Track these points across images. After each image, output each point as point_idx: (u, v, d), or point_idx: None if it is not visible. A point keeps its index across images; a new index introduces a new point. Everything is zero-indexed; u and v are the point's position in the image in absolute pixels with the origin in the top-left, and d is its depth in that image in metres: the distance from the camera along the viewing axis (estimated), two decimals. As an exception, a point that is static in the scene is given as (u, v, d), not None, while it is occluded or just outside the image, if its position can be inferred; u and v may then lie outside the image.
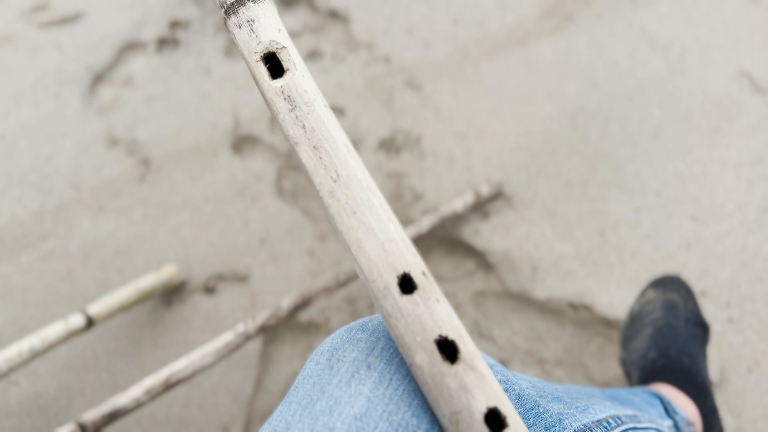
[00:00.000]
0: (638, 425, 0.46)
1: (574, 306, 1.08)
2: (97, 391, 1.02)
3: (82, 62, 1.48)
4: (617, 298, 1.07)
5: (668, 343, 0.74)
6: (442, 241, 1.20)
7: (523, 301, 1.11)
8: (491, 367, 0.35)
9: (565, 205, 1.22)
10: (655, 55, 1.44)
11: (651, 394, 0.63)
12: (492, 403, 0.28)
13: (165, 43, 1.51)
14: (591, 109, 1.36)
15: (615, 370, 1.01)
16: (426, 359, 0.29)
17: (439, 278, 1.16)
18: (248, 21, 0.33)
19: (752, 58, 1.41)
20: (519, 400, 0.35)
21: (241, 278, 1.14)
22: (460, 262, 1.18)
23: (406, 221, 1.22)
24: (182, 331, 1.08)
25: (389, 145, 1.32)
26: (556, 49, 1.46)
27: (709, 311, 1.05)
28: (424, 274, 0.32)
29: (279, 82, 0.33)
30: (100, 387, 1.03)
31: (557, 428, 0.36)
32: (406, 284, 0.31)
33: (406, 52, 1.47)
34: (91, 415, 0.78)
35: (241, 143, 1.32)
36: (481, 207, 1.22)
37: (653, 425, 0.49)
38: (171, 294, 1.12)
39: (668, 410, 0.61)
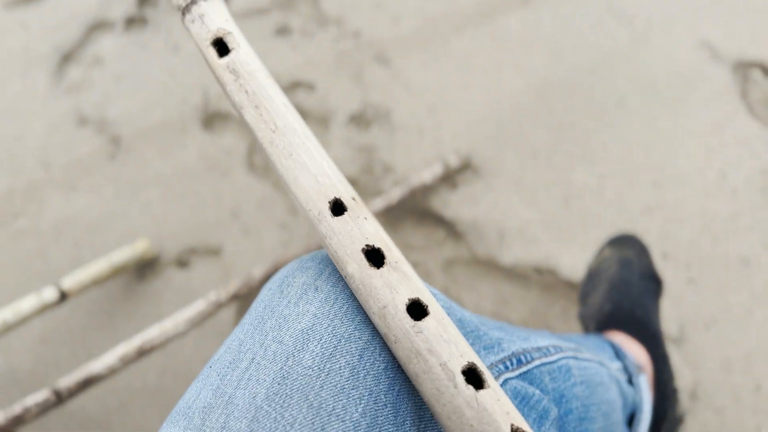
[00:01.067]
0: (579, 355, 0.48)
1: (539, 270, 1.11)
2: (73, 364, 1.04)
3: (50, 42, 1.47)
4: (581, 262, 1.10)
5: (622, 297, 0.77)
6: (413, 211, 1.22)
7: (490, 267, 1.14)
8: (435, 295, 0.37)
9: (531, 174, 1.25)
10: (620, 27, 1.47)
11: (603, 340, 0.66)
12: (414, 296, 0.32)
13: (133, 21, 1.51)
14: (557, 81, 1.39)
15: (578, 329, 1.04)
16: (356, 267, 0.32)
17: (410, 247, 1.18)
18: (199, 16, 0.39)
19: (714, 29, 1.45)
20: (460, 323, 0.37)
21: (214, 252, 1.16)
22: (429, 232, 1.21)
23: (376, 193, 1.24)
24: (156, 304, 1.10)
25: (359, 120, 1.34)
26: (524, 23, 1.48)
27: (669, 272, 1.09)
28: (354, 199, 0.35)
29: (225, 59, 0.38)
30: (75, 360, 1.04)
31: (495, 349, 0.39)
32: (337, 208, 0.34)
33: (375, 27, 1.48)
34: (66, 381, 0.79)
35: (211, 119, 1.33)
36: (449, 178, 1.25)
37: (596, 359, 0.52)
38: (144, 268, 1.13)
39: (618, 354, 0.64)
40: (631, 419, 0.62)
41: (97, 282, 1.03)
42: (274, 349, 0.31)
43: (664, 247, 1.12)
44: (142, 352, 0.84)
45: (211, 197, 1.22)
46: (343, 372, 0.31)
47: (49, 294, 0.96)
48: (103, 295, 1.11)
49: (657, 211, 1.18)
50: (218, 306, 0.93)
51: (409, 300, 0.31)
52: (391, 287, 0.31)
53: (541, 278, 1.11)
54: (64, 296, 0.98)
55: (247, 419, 0.29)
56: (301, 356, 0.31)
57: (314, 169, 0.35)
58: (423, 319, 0.31)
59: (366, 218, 0.34)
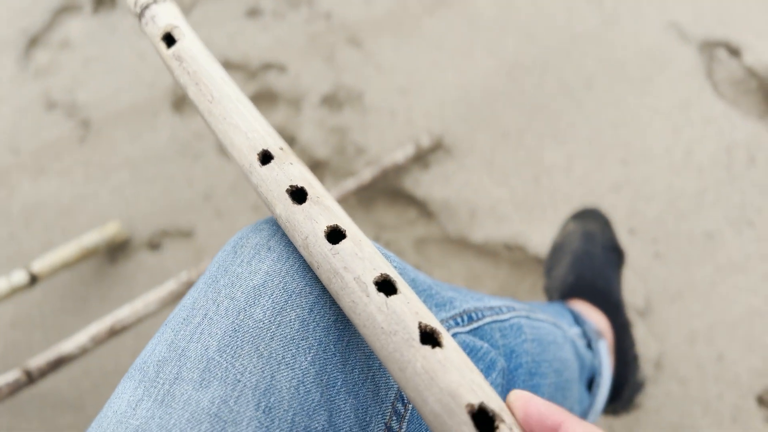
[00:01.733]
0: (531, 315, 0.50)
1: (509, 247, 1.13)
2: (45, 348, 1.03)
3: (16, 26, 1.45)
4: (549, 238, 1.12)
5: (585, 268, 0.79)
6: (385, 192, 1.23)
7: (461, 244, 1.15)
8: (387, 257, 0.38)
9: (502, 154, 1.26)
10: (591, 9, 1.48)
11: (564, 307, 0.67)
12: (332, 223, 0.34)
13: (101, 3, 1.49)
14: (528, 62, 1.40)
15: (549, 305, 1.06)
16: (282, 207, 0.35)
17: (382, 227, 1.19)
18: (151, 18, 0.45)
19: (681, 10, 1.47)
20: (413, 282, 0.38)
21: (186, 234, 1.16)
22: (402, 211, 1.22)
23: (349, 174, 1.24)
24: (128, 287, 1.10)
25: (332, 101, 1.34)
26: (495, 4, 1.49)
27: (636, 247, 1.11)
28: (281, 148, 0.38)
29: (172, 49, 0.43)
30: (47, 343, 1.04)
31: (447, 306, 0.40)
32: (265, 158, 0.38)
33: (347, 9, 1.48)
34: (37, 361, 0.79)
35: (181, 102, 1.32)
36: (421, 158, 1.26)
37: (550, 320, 0.54)
38: (116, 251, 1.13)
39: (578, 320, 0.65)
40: (591, 383, 0.64)
41: (68, 265, 1.03)
42: (226, 305, 0.32)
43: (631, 223, 1.15)
44: (114, 332, 0.84)
45: (182, 180, 1.22)
46: (294, 324, 0.32)
47: (19, 277, 0.95)
48: (75, 278, 1.11)
49: (624, 189, 1.20)
50: (189, 286, 0.93)
51: (327, 227, 0.34)
52: (312, 218, 0.34)
53: (511, 255, 1.13)
54: (34, 279, 0.97)
55: (199, 369, 0.30)
56: (253, 311, 0.32)
57: (245, 128, 0.38)
58: (340, 242, 0.33)
59: (291, 163, 0.37)
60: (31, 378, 0.78)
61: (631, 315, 1.03)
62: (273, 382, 0.30)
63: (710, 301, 1.05)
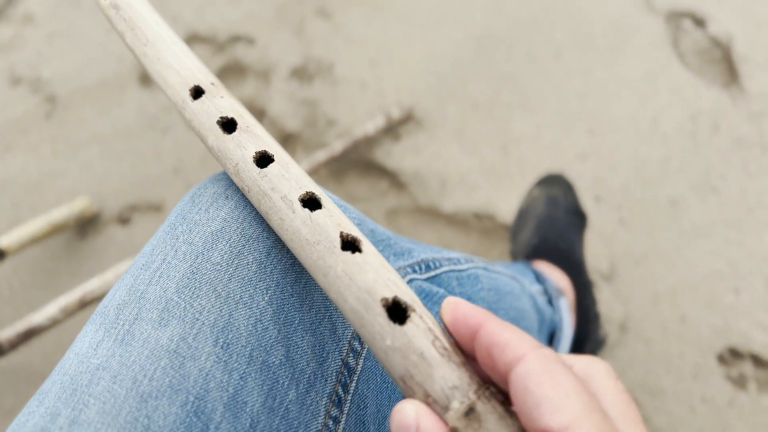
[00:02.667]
0: (490, 267, 0.51)
1: (478, 216, 1.14)
2: (16, 322, 1.03)
3: (-22, 0, 1.42)
4: (517, 207, 1.14)
5: (548, 231, 0.81)
6: (356, 163, 1.24)
7: (432, 214, 1.17)
8: (346, 209, 0.39)
9: (471, 124, 1.27)
10: (558, -20, 1.49)
11: (526, 266, 0.69)
12: (260, 149, 0.35)
13: (65, -23, 1.46)
14: (497, 33, 1.41)
15: (518, 272, 1.08)
16: (214, 138, 0.37)
17: (354, 199, 1.20)
18: None
19: (647, -20, 1.48)
20: (371, 233, 0.39)
21: (156, 208, 1.15)
22: (373, 183, 1.22)
23: (319, 147, 1.24)
24: (99, 261, 1.09)
25: (302, 73, 1.34)
26: (463, -24, 1.49)
27: (601, 214, 1.13)
28: (212, 84, 0.39)
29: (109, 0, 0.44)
30: (19, 318, 1.03)
31: (405, 256, 0.41)
32: (197, 93, 0.39)
33: (315, -18, 1.47)
34: (6, 333, 0.79)
35: (149, 77, 1.31)
36: (392, 130, 1.26)
37: (509, 273, 0.55)
38: (85, 226, 1.13)
39: (539, 278, 0.67)
40: (551, 338, 0.66)
41: (37, 240, 1.02)
42: (184, 249, 0.33)
43: (597, 191, 1.17)
44: (84, 303, 0.84)
45: (151, 154, 1.21)
46: (251, 267, 0.33)
47: (-13, 252, 0.95)
48: (45, 253, 1.10)
49: (591, 157, 1.22)
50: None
51: (256, 153, 0.35)
52: (241, 146, 0.35)
53: (480, 223, 1.14)
54: (2, 254, 0.97)
55: (158, 310, 0.31)
56: (210, 254, 0.33)
57: (177, 66, 0.40)
58: (268, 166, 0.35)
59: (222, 97, 0.38)
60: (1, 350, 0.78)
61: (597, 279, 1.06)
62: (231, 320, 0.31)
63: (674, 264, 1.08)
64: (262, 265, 0.34)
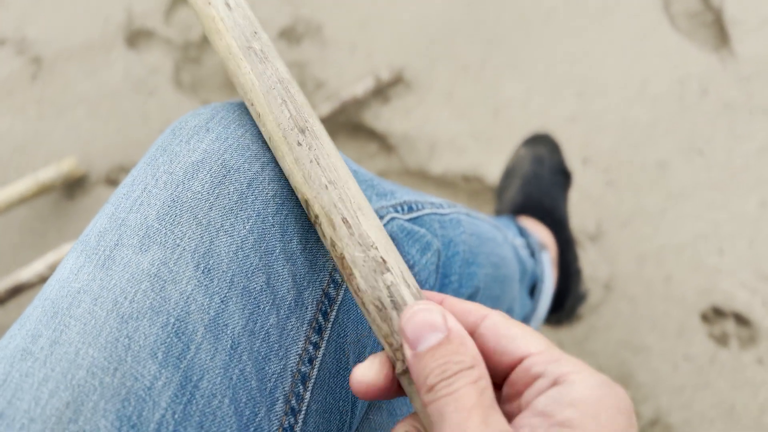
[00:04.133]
0: (472, 213, 0.52)
1: (467, 178, 1.15)
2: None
3: (-41, -41, 1.39)
4: (507, 169, 1.14)
5: (533, 188, 0.82)
6: (345, 126, 1.23)
7: (421, 177, 1.17)
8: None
9: (461, 87, 1.27)
10: (550, -58, 1.48)
11: (510, 220, 0.70)
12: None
13: (48, -64, 1.43)
14: (488, -5, 1.39)
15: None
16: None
17: (343, 162, 1.20)
18: None
19: (639, -58, 1.46)
20: (355, 173, 0.40)
21: (145, 169, 1.15)
22: (362, 145, 1.22)
23: (308, 109, 1.24)
24: (86, 222, 1.09)
25: (290, 34, 1.33)
26: (454, -63, 1.47)
27: (589, 176, 1.14)
28: None
29: None
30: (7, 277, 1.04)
31: (388, 196, 0.41)
32: None
33: (303, -58, 1.44)
34: (-7, 290, 0.80)
35: (135, 37, 1.29)
36: (381, 92, 1.26)
37: (491, 222, 0.56)
38: (73, 187, 1.12)
39: (522, 232, 0.68)
40: (533, 290, 0.66)
41: (24, 200, 1.02)
42: (165, 179, 0.33)
43: (585, 153, 1.17)
44: (71, 261, 0.84)
45: (138, 116, 1.20)
46: (232, 196, 0.33)
47: (-27, 211, 0.94)
48: (33, 213, 1.10)
49: (580, 120, 1.22)
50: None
51: None
52: None
53: (469, 185, 1.15)
54: (-11, 214, 0.96)
55: (139, 236, 0.31)
56: (191, 183, 0.33)
57: None
58: None
59: None
60: (-12, 306, 0.79)
61: (583, 240, 1.07)
62: (212, 246, 0.32)
63: (659, 225, 1.09)
64: (243, 195, 0.34)
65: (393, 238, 0.38)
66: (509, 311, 0.58)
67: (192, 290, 0.30)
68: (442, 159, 1.17)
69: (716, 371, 0.95)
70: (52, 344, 0.28)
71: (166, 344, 0.29)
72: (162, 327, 0.29)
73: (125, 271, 0.30)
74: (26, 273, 0.81)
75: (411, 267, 0.38)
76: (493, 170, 1.15)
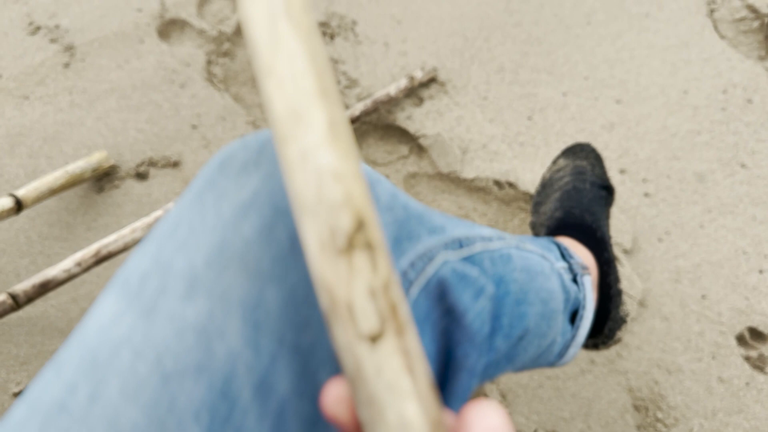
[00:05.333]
0: (521, 246, 0.50)
1: (499, 184, 1.12)
2: (32, 274, 1.03)
3: (-5, -57, 1.39)
4: (540, 176, 1.12)
5: (573, 204, 0.79)
6: (377, 126, 1.21)
7: (452, 181, 1.15)
8: (380, 181, 0.37)
9: (496, 89, 1.24)
10: (592, -60, 1.43)
11: (551, 241, 0.67)
12: None
13: None
14: (526, -6, 1.36)
15: (537, 243, 1.07)
16: None
17: (374, 163, 1.18)
18: None
19: (685, -57, 1.42)
20: (404, 208, 0.37)
21: (173, 164, 1.14)
22: (393, 147, 1.20)
23: (339, 107, 1.22)
24: (115, 216, 1.09)
25: (324, 30, 1.31)
26: (493, -67, 1.43)
27: (626, 187, 1.11)
28: None
29: None
30: (35, 270, 1.04)
31: (439, 232, 0.39)
32: None
33: (340, -65, 1.42)
34: (23, 286, 0.79)
35: (168, 28, 1.28)
36: (415, 92, 1.23)
37: (539, 252, 0.53)
38: (102, 180, 1.12)
39: (564, 255, 0.65)
40: (573, 316, 0.64)
41: (54, 192, 1.02)
42: (213, 219, 0.31)
43: (623, 163, 1.14)
44: (99, 258, 0.84)
45: (169, 109, 1.19)
46: (283, 242, 0.31)
47: (4, 202, 0.94)
48: (62, 206, 1.10)
49: (618, 128, 1.18)
50: (177, 215, 0.92)
51: None
52: None
53: (501, 192, 1.12)
54: (20, 206, 0.96)
55: (185, 284, 0.29)
56: (240, 226, 0.31)
57: None
58: None
59: None
60: (17, 302, 0.78)
61: (618, 253, 1.04)
62: (261, 297, 0.30)
63: (697, 241, 1.06)
64: (294, 241, 0.31)
65: (446, 284, 0.36)
66: (552, 344, 0.56)
67: (240, 347, 0.28)
68: (474, 163, 1.15)
69: (752, 396, 0.92)
70: (90, 400, 0.26)
71: (211, 407, 0.27)
72: (207, 388, 0.27)
73: (169, 323, 0.28)
74: (54, 270, 0.81)
75: (464, 314, 0.36)
76: (526, 177, 1.12)
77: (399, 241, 0.35)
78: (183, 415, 0.26)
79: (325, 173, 0.25)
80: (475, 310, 0.37)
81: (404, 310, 0.25)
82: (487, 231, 0.46)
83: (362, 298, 0.24)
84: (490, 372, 0.44)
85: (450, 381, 0.36)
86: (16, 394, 0.95)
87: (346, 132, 0.25)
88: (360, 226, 0.24)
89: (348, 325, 0.25)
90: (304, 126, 0.25)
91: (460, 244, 0.40)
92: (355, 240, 0.24)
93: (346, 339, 0.25)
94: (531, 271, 0.48)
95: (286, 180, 0.32)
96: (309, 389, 0.30)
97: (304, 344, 0.30)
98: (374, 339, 0.24)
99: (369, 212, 0.25)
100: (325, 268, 0.25)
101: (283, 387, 0.29)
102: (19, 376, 0.97)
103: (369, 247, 0.25)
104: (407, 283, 0.34)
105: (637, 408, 0.92)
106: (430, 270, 0.36)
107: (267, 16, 0.26)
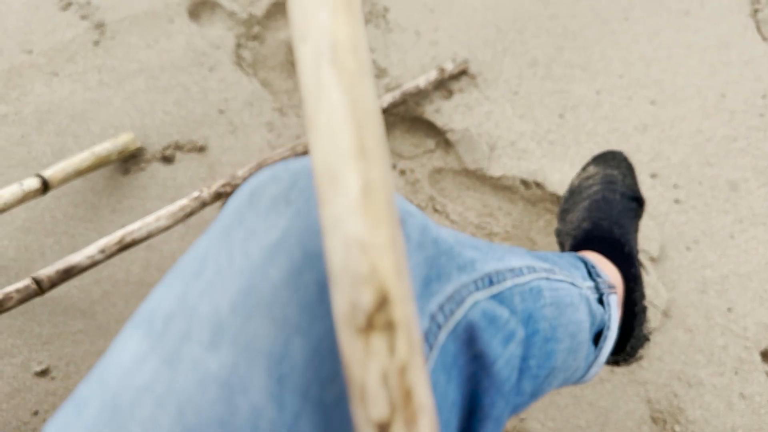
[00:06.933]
0: (552, 276, 0.48)
1: (526, 183, 1.11)
2: (57, 254, 1.04)
3: None
4: (569, 177, 1.10)
5: (602, 215, 0.77)
6: (404, 118, 1.20)
7: (478, 178, 1.13)
8: (412, 214, 0.36)
9: (528, 84, 1.21)
10: (635, -69, 1.39)
11: (577, 258, 0.66)
12: None
13: None
14: (563, -14, 1.32)
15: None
16: None
17: (399, 155, 1.17)
18: None
19: (732, -62, 1.37)
20: (434, 243, 0.36)
21: (199, 148, 1.14)
22: (420, 140, 1.19)
23: (367, 96, 1.20)
24: (140, 198, 1.09)
25: (354, 17, 1.28)
26: None
27: (656, 192, 1.09)
28: None
29: None
30: (59, 249, 1.05)
31: (468, 269, 0.38)
32: None
33: None
34: (47, 271, 0.80)
35: (199, 9, 1.27)
36: (444, 85, 1.21)
37: (568, 279, 0.52)
38: (128, 162, 1.12)
39: (591, 273, 0.64)
40: (597, 336, 0.63)
41: (80, 173, 1.02)
42: (240, 261, 0.30)
43: (654, 167, 1.11)
44: (123, 245, 0.84)
45: (197, 91, 1.19)
46: (311, 289, 0.30)
47: (31, 183, 0.95)
48: (88, 187, 1.10)
49: (651, 130, 1.16)
50: (202, 204, 0.92)
51: None
52: None
53: (528, 191, 1.10)
54: (46, 186, 0.97)
55: (210, 330, 0.29)
56: (268, 270, 0.30)
57: None
58: None
59: None
60: (41, 287, 0.79)
61: (644, 261, 1.02)
62: (286, 350, 0.29)
63: (726, 251, 1.04)
64: (323, 288, 0.30)
65: (475, 329, 0.35)
66: (575, 371, 0.55)
67: (263, 403, 0.28)
68: (501, 160, 1.13)
69: (773, 414, 0.91)
70: None
71: None
72: None
73: (193, 373, 0.28)
74: (78, 256, 0.81)
75: (493, 362, 0.35)
76: (554, 177, 1.10)
77: (428, 282, 0.34)
78: None
79: (351, 243, 0.23)
80: (504, 358, 0.36)
81: (420, 396, 0.24)
82: (517, 261, 0.45)
83: (375, 382, 0.23)
84: (515, 412, 0.43)
85: (475, 430, 0.35)
86: (38, 374, 0.97)
87: (384, 196, 0.24)
88: (382, 303, 0.23)
89: (359, 407, 0.24)
90: (337, 188, 0.24)
91: (490, 281, 0.39)
92: (375, 319, 0.23)
93: (358, 420, 0.24)
94: (560, 305, 0.47)
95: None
96: None
97: (328, 399, 0.29)
98: (382, 428, 0.23)
99: (395, 287, 0.23)
100: (345, 343, 0.24)
101: None
102: (41, 356, 0.98)
103: (389, 327, 0.23)
104: (436, 327, 0.33)
105: (654, 420, 0.91)
106: (460, 313, 0.35)
107: (312, 57, 0.25)
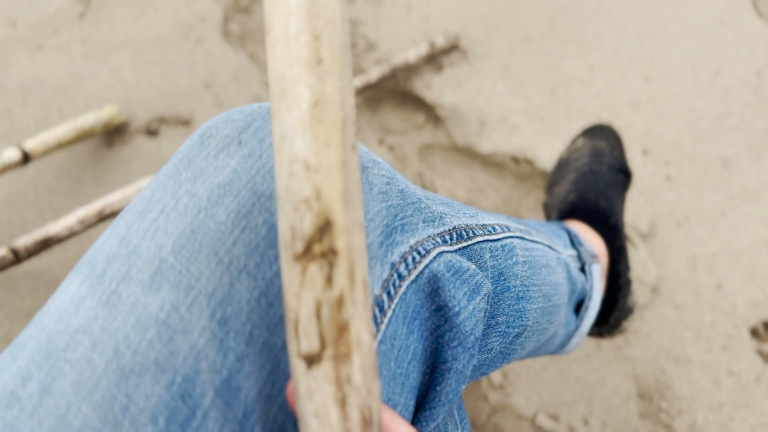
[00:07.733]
0: (526, 236, 0.47)
1: (516, 159, 1.09)
2: (40, 227, 1.03)
3: None
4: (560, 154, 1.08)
5: (588, 187, 0.76)
6: (393, 93, 1.18)
7: (467, 154, 1.12)
8: (378, 164, 0.34)
9: (520, 60, 1.20)
10: None
11: (560, 227, 0.64)
12: None
13: None
14: (557, -39, 1.30)
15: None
16: None
17: (387, 130, 1.15)
18: None
19: None
20: (401, 194, 0.35)
21: (185, 122, 1.12)
22: (409, 115, 1.17)
23: (357, 71, 1.19)
24: (124, 172, 1.08)
25: (344, -9, 1.26)
26: None
27: (648, 169, 1.07)
28: None
29: None
30: (42, 222, 1.03)
31: (436, 222, 0.37)
32: None
33: None
34: (24, 241, 0.79)
35: (186, -19, 1.25)
36: (435, 59, 1.19)
37: (545, 242, 0.51)
38: (112, 135, 1.10)
39: (573, 242, 0.63)
40: (579, 305, 0.62)
41: (62, 145, 1.00)
42: (186, 201, 0.29)
43: (646, 143, 1.10)
44: (103, 216, 0.83)
45: (183, 65, 1.17)
46: (260, 230, 0.29)
47: (11, 154, 0.93)
48: (71, 159, 1.09)
49: (644, 106, 1.14)
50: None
51: None
52: None
53: (518, 168, 1.09)
54: (27, 158, 0.95)
55: (150, 270, 0.27)
56: (215, 211, 0.29)
57: None
58: None
59: None
60: (18, 257, 0.78)
61: (634, 237, 1.01)
62: (231, 291, 0.28)
63: (717, 229, 1.02)
64: (273, 229, 0.29)
65: (439, 280, 0.34)
66: (552, 337, 0.54)
67: (204, 344, 0.26)
68: (491, 136, 1.12)
69: (761, 391, 0.90)
70: (42, 392, 0.25)
71: (169, 408, 0.25)
72: (166, 387, 0.25)
73: (131, 313, 0.26)
74: (56, 227, 0.80)
75: (456, 314, 0.34)
76: (545, 153, 1.09)
77: (392, 232, 0.33)
78: (139, 417, 0.25)
79: (296, 162, 0.22)
80: (468, 310, 0.35)
81: (357, 333, 0.22)
82: (490, 219, 0.43)
83: (307, 313, 0.22)
84: (483, 370, 0.42)
85: (437, 383, 0.34)
86: (19, 346, 0.96)
87: (337, 114, 0.22)
88: (324, 229, 0.22)
89: (292, 339, 0.23)
90: (286, 101, 0.22)
91: (459, 235, 0.38)
92: (314, 246, 0.22)
93: (289, 353, 0.23)
94: (534, 264, 0.46)
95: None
96: (278, 393, 0.28)
97: (275, 344, 0.28)
98: (310, 361, 0.22)
99: (340, 214, 0.22)
100: (283, 270, 0.23)
101: (249, 389, 0.27)
102: (23, 329, 0.97)
103: (329, 256, 0.22)
104: (398, 277, 0.32)
105: (641, 396, 0.91)
106: (423, 264, 0.33)
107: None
